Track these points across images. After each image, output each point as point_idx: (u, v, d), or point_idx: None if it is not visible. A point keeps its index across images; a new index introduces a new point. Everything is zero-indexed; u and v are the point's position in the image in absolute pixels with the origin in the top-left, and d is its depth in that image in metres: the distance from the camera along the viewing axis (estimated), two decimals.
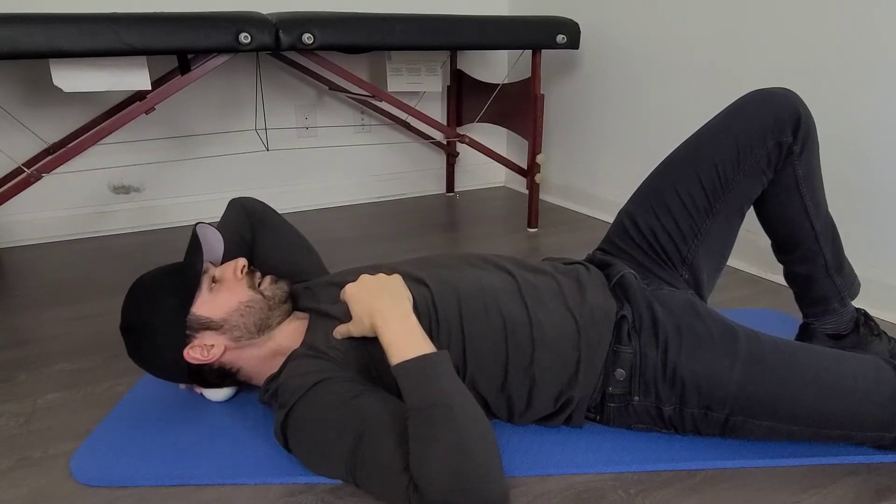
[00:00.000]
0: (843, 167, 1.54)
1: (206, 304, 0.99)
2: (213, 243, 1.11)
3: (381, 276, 0.96)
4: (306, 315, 1.08)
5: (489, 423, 0.83)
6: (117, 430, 1.05)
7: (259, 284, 1.03)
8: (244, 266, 1.03)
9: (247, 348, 1.02)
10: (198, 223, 1.04)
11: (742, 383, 0.93)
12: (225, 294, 1.00)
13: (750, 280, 1.72)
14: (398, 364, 0.85)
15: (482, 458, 0.77)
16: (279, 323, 1.03)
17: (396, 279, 0.96)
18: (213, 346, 0.99)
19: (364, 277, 0.96)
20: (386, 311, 0.90)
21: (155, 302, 0.99)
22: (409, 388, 0.83)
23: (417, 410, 0.81)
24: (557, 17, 2.03)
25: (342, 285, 1.05)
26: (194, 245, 1.00)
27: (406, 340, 0.87)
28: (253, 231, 1.26)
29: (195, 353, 0.98)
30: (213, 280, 1.01)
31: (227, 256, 1.14)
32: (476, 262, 1.09)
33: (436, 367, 0.84)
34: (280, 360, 1.01)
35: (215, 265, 1.07)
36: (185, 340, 0.98)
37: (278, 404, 0.94)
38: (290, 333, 1.03)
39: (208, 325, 0.99)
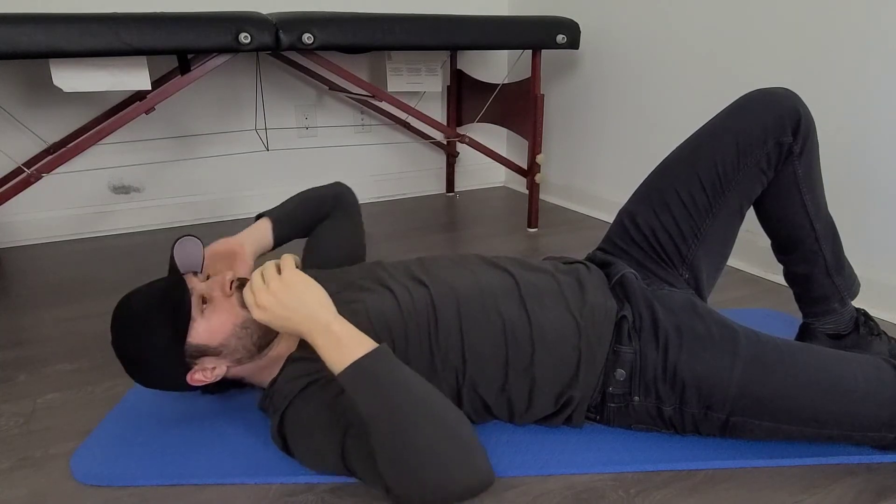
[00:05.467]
0: (843, 167, 1.54)
1: (201, 332, 0.95)
2: (191, 251, 1.06)
3: (275, 287, 0.85)
4: None
5: (448, 405, 0.81)
6: (117, 430, 1.05)
7: None
8: (232, 280, 0.98)
9: (248, 364, 1.01)
10: (175, 241, 0.99)
11: (742, 383, 0.93)
12: (218, 317, 0.96)
13: (750, 280, 1.72)
14: (337, 376, 0.82)
15: (444, 451, 0.77)
16: (277, 335, 1.01)
17: (287, 285, 0.86)
18: (214, 368, 0.98)
19: (260, 295, 0.86)
20: (307, 335, 0.85)
21: (148, 334, 0.95)
22: (354, 397, 0.80)
23: (368, 421, 0.79)
24: (557, 17, 2.03)
25: (346, 282, 1.06)
26: (175, 271, 0.95)
27: (333, 354, 0.83)
28: (331, 209, 1.27)
29: (198, 376, 0.97)
30: (203, 301, 0.96)
31: (296, 219, 1.20)
32: (477, 262, 1.09)
33: (371, 372, 0.80)
34: (279, 365, 1.01)
35: (199, 277, 1.02)
36: (186, 368, 0.97)
37: (273, 409, 0.95)
38: (288, 339, 1.03)
39: (206, 352, 0.96)
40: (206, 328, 0.95)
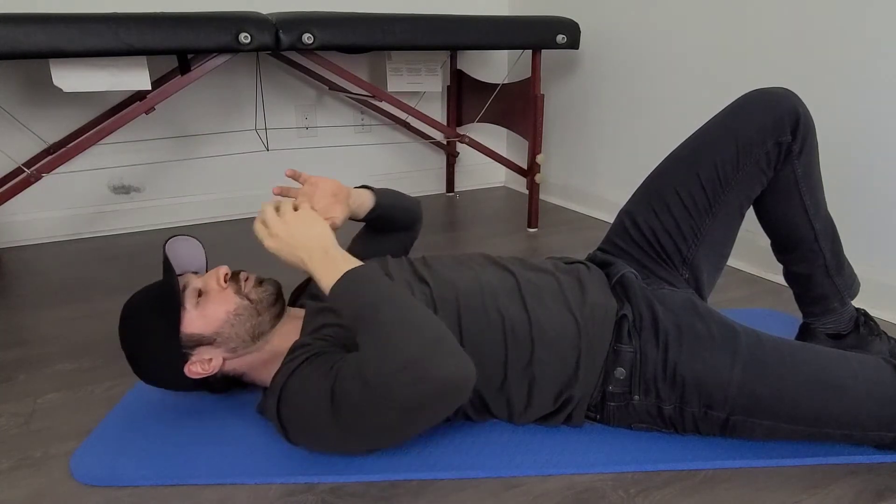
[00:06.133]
0: (843, 167, 1.54)
1: (195, 321, 0.98)
2: (193, 252, 1.11)
3: (289, 218, 0.93)
4: (302, 311, 1.09)
5: (427, 310, 0.85)
6: (117, 430, 1.05)
7: (244, 289, 1.02)
8: (226, 273, 1.02)
9: (245, 356, 1.02)
10: (168, 239, 1.04)
11: (742, 383, 0.93)
12: (211, 306, 0.99)
13: (750, 280, 1.72)
14: (329, 291, 0.88)
15: (418, 343, 0.79)
16: (272, 327, 1.03)
17: (301, 217, 0.94)
18: (210, 359, 1.00)
19: (274, 226, 0.93)
20: (307, 260, 0.91)
21: (145, 328, 0.99)
22: (342, 307, 0.87)
23: (353, 322, 0.85)
24: (557, 17, 2.03)
25: None
26: (167, 265, 1.00)
27: (328, 272, 0.88)
28: (407, 227, 1.29)
29: (195, 368, 0.99)
30: (199, 293, 1.00)
31: (387, 214, 1.21)
32: (479, 261, 1.10)
33: (354, 280, 0.87)
34: (278, 363, 1.01)
35: (200, 274, 1.06)
36: (183, 359, 0.99)
37: (272, 396, 0.95)
38: (286, 334, 1.04)
39: (201, 341, 0.99)
40: (199, 316, 0.98)
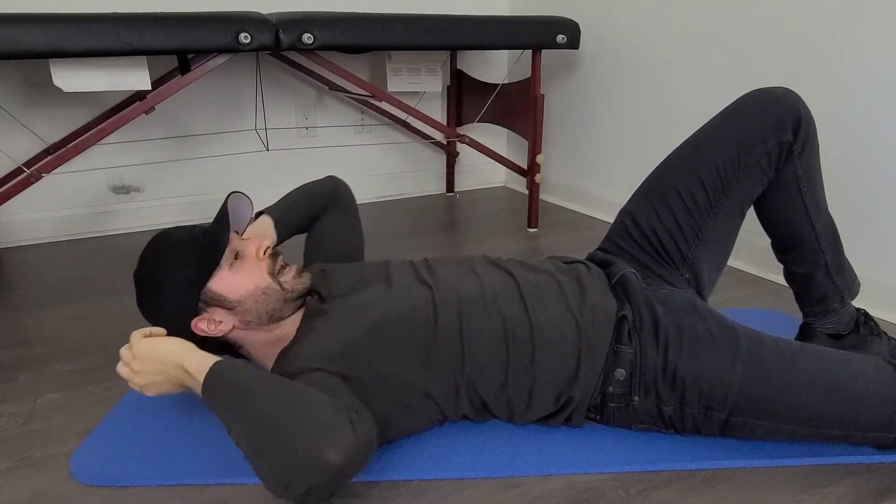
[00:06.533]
0: (844, 167, 1.54)
1: (224, 282, 0.98)
2: (241, 213, 1.09)
3: (137, 357, 0.91)
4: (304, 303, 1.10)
5: (290, 391, 0.82)
6: (117, 430, 1.05)
7: (279, 272, 1.02)
8: (268, 247, 1.02)
9: (253, 332, 1.02)
10: (231, 193, 1.02)
11: (743, 383, 0.93)
12: (244, 275, 0.99)
13: (750, 280, 1.72)
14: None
15: (295, 443, 0.77)
16: (290, 314, 1.04)
17: (144, 347, 0.92)
18: (221, 322, 0.99)
19: (133, 374, 0.92)
20: (180, 384, 0.92)
21: (173, 266, 0.97)
22: (216, 415, 0.86)
23: (228, 433, 0.84)
24: (557, 17, 2.03)
25: (358, 278, 1.08)
26: (223, 218, 0.98)
27: (196, 384, 0.88)
28: (328, 203, 1.28)
29: (203, 325, 0.98)
30: (236, 256, 1.00)
31: (296, 215, 1.21)
32: (480, 263, 1.10)
33: (208, 393, 0.86)
34: (278, 349, 1.02)
35: (239, 235, 1.06)
36: (195, 312, 0.98)
37: None
38: (293, 322, 1.05)
39: (221, 303, 0.98)
40: (229, 280, 0.98)
